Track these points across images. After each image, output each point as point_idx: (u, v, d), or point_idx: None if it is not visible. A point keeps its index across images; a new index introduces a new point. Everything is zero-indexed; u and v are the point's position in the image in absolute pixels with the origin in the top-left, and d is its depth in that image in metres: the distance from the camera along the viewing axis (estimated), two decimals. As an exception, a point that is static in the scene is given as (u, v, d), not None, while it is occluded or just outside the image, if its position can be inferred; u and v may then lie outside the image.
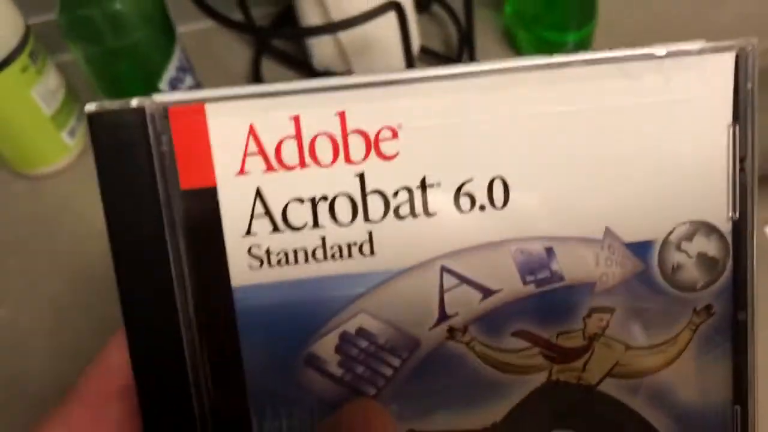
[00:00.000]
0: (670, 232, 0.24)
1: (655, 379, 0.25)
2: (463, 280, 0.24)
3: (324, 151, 0.23)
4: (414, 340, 0.24)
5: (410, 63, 0.57)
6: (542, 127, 0.23)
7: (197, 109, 0.22)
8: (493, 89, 0.23)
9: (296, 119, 0.23)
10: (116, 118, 0.22)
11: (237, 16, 0.67)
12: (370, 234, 0.23)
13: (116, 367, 0.24)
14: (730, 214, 0.24)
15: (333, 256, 0.23)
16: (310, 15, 0.59)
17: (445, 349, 0.24)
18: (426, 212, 0.23)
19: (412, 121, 0.23)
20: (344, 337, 0.24)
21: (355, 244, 0.23)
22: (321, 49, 0.61)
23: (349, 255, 0.24)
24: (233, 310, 0.23)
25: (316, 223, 0.23)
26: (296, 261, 0.23)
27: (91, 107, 0.22)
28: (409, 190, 0.23)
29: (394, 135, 0.23)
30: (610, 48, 0.23)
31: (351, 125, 0.23)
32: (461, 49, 0.64)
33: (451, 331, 0.24)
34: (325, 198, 0.23)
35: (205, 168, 0.23)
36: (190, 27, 0.68)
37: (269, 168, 0.23)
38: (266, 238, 0.23)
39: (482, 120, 0.23)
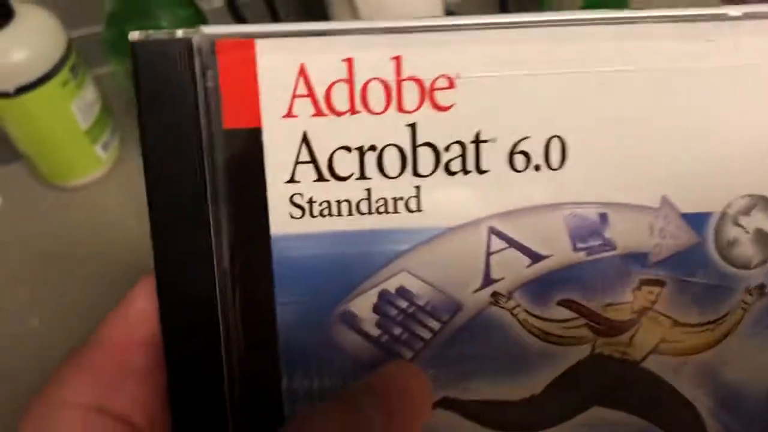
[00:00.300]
0: (728, 205, 0.23)
1: (702, 358, 0.24)
2: (512, 243, 0.23)
3: (376, 97, 0.22)
4: (456, 303, 0.23)
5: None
6: (605, 86, 0.22)
7: (247, 44, 0.21)
8: (558, 42, 0.22)
9: (349, 62, 0.21)
10: (161, 48, 0.21)
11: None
12: (418, 189, 0.22)
13: (142, 315, 0.23)
14: None
15: (378, 210, 0.22)
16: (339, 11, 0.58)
17: (487, 315, 0.23)
18: (478, 169, 0.22)
19: (471, 71, 0.22)
20: (383, 296, 0.23)
21: (401, 198, 0.22)
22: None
23: (395, 210, 0.22)
24: (270, 259, 0.22)
25: (362, 174, 0.22)
26: (339, 213, 0.22)
27: (135, 35, 0.21)
28: (462, 145, 0.22)
29: (451, 85, 0.22)
30: (681, 6, 0.22)
31: (406, 71, 0.22)
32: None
33: (496, 296, 0.23)
34: (373, 148, 0.22)
35: (250, 108, 0.21)
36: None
37: (318, 112, 0.22)
38: (310, 187, 0.22)
39: (543, 75, 0.22)
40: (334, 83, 0.21)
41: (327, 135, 0.22)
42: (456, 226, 0.23)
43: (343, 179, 0.22)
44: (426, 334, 0.23)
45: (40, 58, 0.55)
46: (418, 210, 0.23)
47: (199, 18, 0.56)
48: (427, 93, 0.22)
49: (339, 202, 0.22)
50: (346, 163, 0.22)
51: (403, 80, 0.22)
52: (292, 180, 0.22)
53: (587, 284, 0.23)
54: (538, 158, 0.22)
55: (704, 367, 0.24)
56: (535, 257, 0.23)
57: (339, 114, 0.22)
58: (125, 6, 0.53)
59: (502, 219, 0.23)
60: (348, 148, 0.22)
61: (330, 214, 0.22)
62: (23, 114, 0.57)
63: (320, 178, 0.22)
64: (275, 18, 0.65)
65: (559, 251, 0.23)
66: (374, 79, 0.22)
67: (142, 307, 0.23)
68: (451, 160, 0.22)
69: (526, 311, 0.23)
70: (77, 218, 0.61)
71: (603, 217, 0.23)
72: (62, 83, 0.56)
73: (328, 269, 0.23)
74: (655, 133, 0.23)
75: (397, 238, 0.23)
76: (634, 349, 0.24)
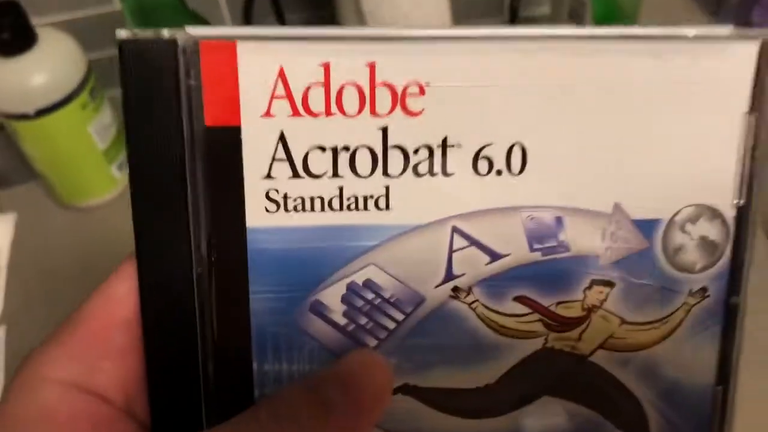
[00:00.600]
0: (677, 213, 0.25)
1: (646, 354, 0.26)
2: (473, 242, 0.24)
3: (350, 101, 0.23)
4: (419, 296, 0.25)
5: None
6: (565, 98, 0.23)
7: (229, 45, 0.22)
8: (522, 56, 0.23)
9: (326, 66, 0.23)
10: (147, 46, 0.22)
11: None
12: (387, 188, 0.24)
13: (122, 297, 0.24)
14: (736, 200, 0.25)
15: (349, 207, 0.24)
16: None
17: (447, 308, 0.25)
18: (444, 172, 0.24)
19: (440, 80, 0.23)
20: (351, 288, 0.24)
21: (371, 197, 0.24)
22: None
23: (365, 207, 0.24)
24: (245, 250, 0.24)
25: (335, 173, 0.23)
26: (312, 208, 0.24)
27: (123, 34, 0.22)
28: (430, 149, 0.23)
29: (421, 92, 0.23)
30: (642, 25, 0.24)
31: (380, 77, 0.23)
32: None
33: (456, 290, 0.25)
34: (346, 148, 0.23)
35: (230, 106, 0.23)
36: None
37: (295, 113, 0.23)
38: (285, 183, 0.23)
39: (508, 86, 0.23)
40: (311, 86, 0.23)
41: (303, 135, 0.23)
42: (422, 225, 0.24)
43: (317, 177, 0.23)
44: (390, 325, 0.25)
45: (60, 81, 0.56)
46: (387, 208, 0.24)
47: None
48: (398, 99, 0.23)
49: (312, 199, 0.24)
50: (320, 162, 0.23)
51: (377, 86, 0.23)
52: (268, 176, 0.23)
53: (542, 282, 0.25)
54: (500, 164, 0.24)
55: (648, 362, 0.26)
56: (494, 255, 0.25)
57: (315, 115, 0.23)
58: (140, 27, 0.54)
59: (465, 219, 0.24)
60: (322, 148, 0.23)
61: (303, 210, 0.24)
62: (42, 135, 0.57)
63: (295, 175, 0.23)
64: (281, 21, 0.66)
65: (517, 251, 0.25)
66: (349, 83, 0.23)
67: (122, 289, 0.24)
68: (419, 162, 0.24)
69: (484, 306, 0.25)
70: (92, 237, 0.62)
71: (559, 220, 0.24)
72: (81, 106, 0.57)
73: (300, 261, 0.24)
74: (610, 143, 0.24)
75: (366, 234, 0.24)
76: (584, 344, 0.26)
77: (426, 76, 0.23)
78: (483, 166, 0.24)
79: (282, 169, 0.23)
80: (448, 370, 0.25)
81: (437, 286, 0.25)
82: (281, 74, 0.22)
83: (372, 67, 0.23)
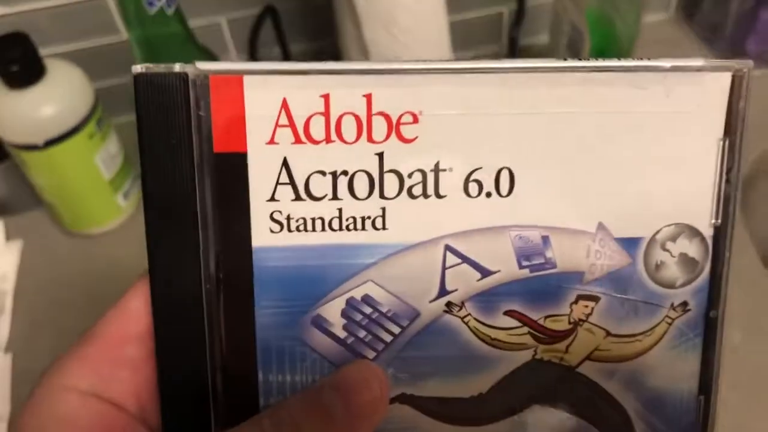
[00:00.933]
0: (657, 232, 0.26)
1: (630, 365, 0.27)
2: (465, 259, 0.26)
3: (349, 129, 0.25)
4: (414, 310, 0.26)
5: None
6: (550, 125, 0.25)
7: (236, 80, 0.24)
8: (509, 86, 0.25)
9: (326, 97, 0.24)
10: (160, 80, 0.24)
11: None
12: (384, 210, 0.25)
13: (135, 313, 0.25)
14: (713, 220, 0.26)
15: (348, 227, 0.25)
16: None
17: (441, 322, 0.26)
18: (437, 194, 0.25)
19: (433, 109, 0.25)
20: (350, 303, 0.26)
21: (369, 217, 0.25)
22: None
23: (363, 227, 0.25)
24: (251, 268, 0.25)
25: (335, 196, 0.25)
26: (313, 228, 0.25)
27: (138, 68, 0.23)
28: (423, 173, 0.25)
29: (415, 120, 0.25)
30: (621, 57, 0.25)
31: (376, 107, 0.24)
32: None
33: (449, 305, 0.26)
34: (345, 173, 0.25)
35: (237, 135, 0.24)
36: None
37: (297, 140, 0.24)
38: (288, 205, 0.25)
39: (496, 114, 0.25)
40: (312, 116, 0.24)
41: (304, 160, 0.25)
42: (416, 243, 0.26)
43: (318, 199, 0.25)
44: (387, 338, 0.26)
45: (68, 112, 0.56)
46: (384, 228, 0.25)
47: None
48: (393, 126, 0.25)
49: (314, 219, 0.25)
50: (321, 185, 0.25)
51: (373, 115, 0.24)
52: (272, 199, 0.25)
53: (530, 297, 0.26)
54: (489, 186, 0.25)
55: (633, 373, 0.27)
56: (485, 272, 0.26)
57: (316, 142, 0.25)
58: (149, 61, 0.55)
59: (457, 238, 0.26)
60: (323, 172, 0.25)
61: (305, 230, 0.25)
62: (50, 165, 0.58)
63: (297, 197, 0.25)
64: (285, 51, 0.68)
65: (506, 268, 0.26)
66: (348, 113, 0.24)
67: (136, 305, 0.25)
68: (413, 185, 0.25)
69: (476, 319, 0.26)
70: (97, 264, 0.62)
71: (545, 239, 0.26)
72: (89, 136, 0.58)
73: (303, 278, 0.25)
74: (594, 167, 0.25)
75: (364, 253, 0.26)
76: (571, 355, 0.27)
77: (419, 106, 0.25)
78: (473, 188, 0.25)
79: (285, 192, 0.25)
80: (443, 380, 0.27)
81: (431, 301, 0.26)
82: (284, 105, 0.24)
83: (368, 98, 0.24)
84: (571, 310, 0.26)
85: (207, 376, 0.25)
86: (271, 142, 0.24)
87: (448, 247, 0.26)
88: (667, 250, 0.26)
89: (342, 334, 0.26)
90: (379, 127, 0.25)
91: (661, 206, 0.26)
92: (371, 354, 0.26)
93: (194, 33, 0.56)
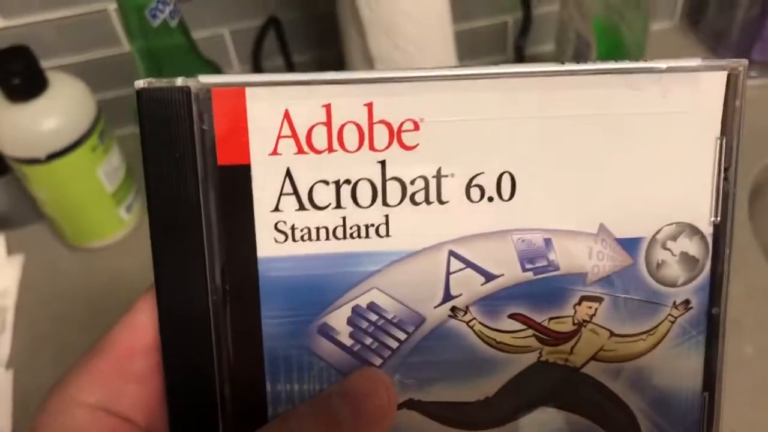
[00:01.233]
0: (658, 231, 0.26)
1: (635, 365, 0.27)
2: (468, 264, 0.26)
3: (351, 138, 0.25)
4: (420, 316, 0.26)
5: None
6: (549, 129, 0.25)
7: (238, 92, 0.24)
8: (508, 91, 0.25)
9: (327, 107, 0.24)
10: (163, 94, 0.24)
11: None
12: (387, 217, 0.25)
13: (142, 326, 0.26)
14: (712, 218, 0.26)
15: (352, 235, 0.25)
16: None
17: (447, 327, 0.26)
18: (439, 200, 0.26)
19: (433, 116, 0.25)
20: (356, 311, 0.26)
21: (372, 225, 0.25)
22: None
23: (367, 235, 0.26)
24: (257, 278, 0.25)
25: (338, 204, 0.25)
26: (318, 238, 0.25)
27: (140, 83, 0.24)
28: (426, 179, 0.25)
29: (416, 127, 0.25)
30: (617, 60, 0.26)
31: (377, 116, 0.25)
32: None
33: (454, 310, 0.26)
34: (348, 181, 0.25)
35: (240, 146, 0.24)
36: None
37: (300, 150, 0.25)
38: (292, 215, 0.25)
39: (496, 119, 0.25)
40: (314, 126, 0.25)
41: (307, 170, 0.25)
42: (420, 250, 0.26)
43: (322, 209, 0.25)
44: (393, 344, 0.26)
45: (70, 125, 0.56)
46: (387, 235, 0.26)
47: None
48: (395, 134, 0.25)
49: (318, 229, 0.25)
50: (324, 195, 0.25)
51: (375, 123, 0.25)
52: (276, 209, 0.25)
53: (534, 300, 0.27)
54: (491, 191, 0.26)
55: (638, 372, 0.27)
56: (489, 276, 0.26)
57: (318, 152, 0.25)
58: (152, 73, 0.54)
59: (460, 243, 0.26)
60: (326, 182, 0.25)
61: (310, 239, 0.25)
62: (52, 179, 0.57)
63: (301, 207, 0.25)
64: (289, 62, 0.68)
65: (510, 271, 0.26)
66: (349, 122, 0.25)
67: (143, 318, 0.26)
68: (415, 192, 0.25)
69: (481, 323, 0.27)
70: (99, 278, 0.62)
71: (548, 241, 0.26)
72: (91, 149, 0.57)
73: (308, 287, 0.26)
74: (593, 169, 0.26)
75: (369, 260, 0.26)
76: (576, 356, 0.27)
77: (420, 113, 0.25)
78: (475, 193, 0.26)
79: (289, 203, 0.25)
80: (449, 385, 0.27)
81: (436, 307, 0.26)
82: (287, 116, 0.24)
83: (370, 107, 0.25)
84: (575, 312, 0.27)
85: (215, 387, 0.26)
86: (274, 153, 0.25)
87: (451, 253, 0.26)
88: (668, 249, 0.27)
89: (348, 341, 0.26)
90: (381, 135, 0.25)
91: (661, 206, 0.26)
92: (378, 361, 0.26)
93: (198, 44, 0.56)
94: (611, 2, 0.61)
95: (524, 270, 0.26)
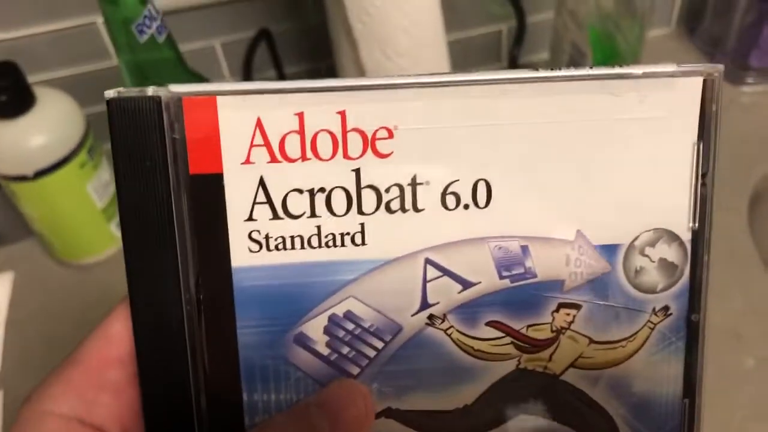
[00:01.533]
0: (636, 238, 0.26)
1: (614, 371, 0.27)
2: (445, 272, 0.26)
3: (324, 146, 0.25)
4: (397, 325, 0.26)
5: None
6: (525, 136, 0.25)
7: (209, 101, 0.24)
8: (483, 98, 0.25)
9: (300, 116, 0.24)
10: (133, 104, 0.24)
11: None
12: (363, 225, 0.25)
13: (117, 336, 0.25)
14: (691, 224, 0.26)
15: (327, 244, 0.25)
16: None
17: (424, 335, 0.26)
18: (415, 208, 0.25)
19: (407, 123, 0.25)
20: (333, 319, 0.26)
21: (348, 234, 0.25)
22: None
23: (342, 244, 0.25)
24: (231, 288, 0.25)
25: (313, 213, 0.25)
26: (293, 247, 0.25)
27: (110, 93, 0.24)
28: (401, 187, 0.25)
29: (390, 135, 0.25)
30: (595, 66, 0.26)
31: (350, 124, 0.25)
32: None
33: (432, 318, 0.26)
34: (322, 190, 0.25)
35: (213, 156, 0.24)
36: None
37: (273, 159, 0.25)
38: (266, 224, 0.25)
39: (471, 126, 0.25)
40: (287, 134, 0.25)
41: (281, 179, 0.25)
42: (396, 258, 0.26)
43: (296, 217, 0.25)
44: (370, 353, 0.26)
45: (59, 142, 0.56)
46: (363, 244, 0.26)
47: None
48: (369, 142, 0.25)
49: (292, 238, 0.25)
50: (298, 204, 0.25)
51: (348, 131, 0.25)
52: (250, 218, 0.25)
53: (512, 307, 0.26)
54: (466, 198, 0.26)
55: (618, 379, 0.27)
56: (466, 284, 0.26)
57: (291, 161, 0.25)
58: (140, 85, 0.55)
59: (437, 251, 0.26)
60: (300, 190, 0.25)
61: (284, 248, 0.25)
62: (41, 196, 0.57)
63: (275, 216, 0.25)
64: (281, 74, 0.68)
65: (487, 279, 0.26)
66: (322, 130, 0.25)
67: (118, 328, 0.25)
68: (391, 200, 0.25)
69: (459, 331, 0.26)
70: (90, 294, 0.61)
71: (524, 249, 0.26)
72: (80, 165, 0.57)
73: (284, 296, 0.26)
74: (570, 175, 0.26)
75: (345, 269, 0.26)
76: (555, 363, 0.27)
77: (393, 121, 0.25)
78: (451, 201, 0.25)
79: (263, 212, 0.25)
80: (428, 393, 0.27)
81: (414, 315, 0.26)
82: (259, 124, 0.24)
83: (342, 115, 0.25)
84: (553, 319, 0.27)
85: (191, 397, 0.25)
86: (247, 161, 0.25)
87: (428, 261, 0.26)
88: (647, 256, 0.27)
89: (325, 351, 0.26)
90: (355, 143, 0.25)
91: (639, 212, 0.26)
92: (355, 370, 0.26)
93: (188, 57, 0.56)
94: (606, 11, 0.61)
95: (501, 277, 0.26)
